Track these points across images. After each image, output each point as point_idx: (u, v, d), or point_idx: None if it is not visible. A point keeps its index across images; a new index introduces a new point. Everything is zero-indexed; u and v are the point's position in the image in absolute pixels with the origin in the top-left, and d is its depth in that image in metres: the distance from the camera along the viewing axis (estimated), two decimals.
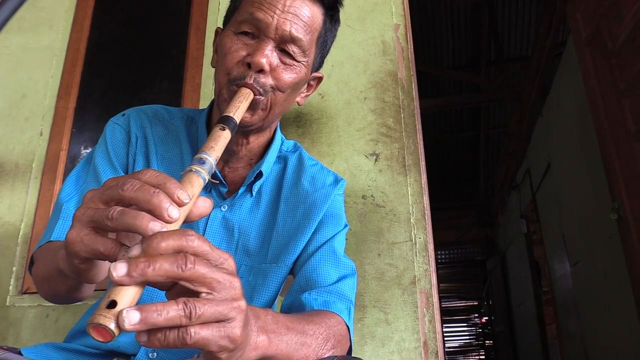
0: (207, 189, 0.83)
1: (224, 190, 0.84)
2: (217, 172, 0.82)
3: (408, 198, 1.51)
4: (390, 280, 1.43)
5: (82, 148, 1.81)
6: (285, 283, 0.85)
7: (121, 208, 0.42)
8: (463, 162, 7.35)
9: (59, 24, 1.97)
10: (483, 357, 9.86)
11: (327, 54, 0.86)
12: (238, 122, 0.63)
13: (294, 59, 0.75)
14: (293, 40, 0.73)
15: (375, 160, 1.56)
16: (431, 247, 1.45)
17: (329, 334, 0.66)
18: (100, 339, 0.38)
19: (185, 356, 0.76)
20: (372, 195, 1.52)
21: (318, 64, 0.84)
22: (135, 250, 0.40)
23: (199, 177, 0.49)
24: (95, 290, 0.72)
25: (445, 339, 9.51)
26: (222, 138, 0.57)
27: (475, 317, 10.15)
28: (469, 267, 9.42)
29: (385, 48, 1.71)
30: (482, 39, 4.87)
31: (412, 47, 1.71)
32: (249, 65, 0.71)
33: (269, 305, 0.82)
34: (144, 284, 0.40)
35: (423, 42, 4.98)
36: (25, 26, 1.98)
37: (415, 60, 1.71)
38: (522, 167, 5.12)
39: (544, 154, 4.15)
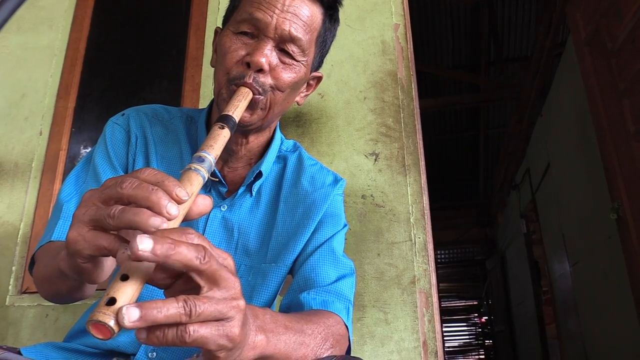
0: (207, 189, 0.83)
1: (223, 190, 0.84)
2: (217, 171, 0.82)
3: (407, 198, 1.51)
4: (389, 280, 1.43)
5: (81, 148, 1.81)
6: (284, 283, 0.85)
7: (122, 206, 0.42)
8: (463, 162, 7.35)
9: (58, 23, 1.97)
10: (482, 356, 9.86)
11: (326, 54, 0.86)
12: (237, 121, 0.63)
13: (293, 58, 0.75)
14: (292, 39, 0.73)
15: (375, 160, 1.56)
16: (431, 246, 1.45)
17: (327, 334, 0.66)
18: (100, 337, 0.38)
19: (185, 355, 0.76)
20: (371, 195, 1.53)
21: (317, 64, 0.84)
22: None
23: (198, 175, 0.49)
24: (96, 290, 0.72)
25: (445, 338, 9.50)
26: (221, 137, 0.57)
27: (475, 317, 10.15)
28: (469, 267, 9.43)
29: (385, 48, 1.71)
30: (481, 38, 4.88)
31: (411, 46, 1.71)
32: (248, 65, 0.71)
33: (268, 304, 0.82)
34: (146, 280, 0.40)
35: (423, 41, 4.98)
36: (25, 26, 1.98)
37: (415, 60, 1.71)
38: (521, 167, 5.12)
39: (543, 153, 4.15)
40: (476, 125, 6.33)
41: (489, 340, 9.46)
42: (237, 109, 0.65)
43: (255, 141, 0.83)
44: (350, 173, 1.55)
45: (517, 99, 4.52)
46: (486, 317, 9.35)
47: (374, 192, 1.53)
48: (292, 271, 0.84)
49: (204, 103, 1.73)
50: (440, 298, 1.57)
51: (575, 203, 3.39)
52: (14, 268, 1.63)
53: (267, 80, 0.72)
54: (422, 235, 1.46)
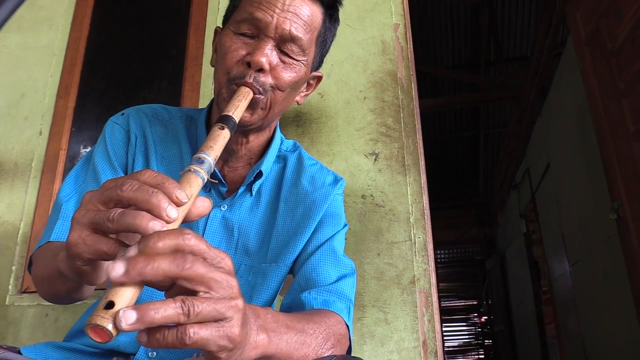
0: (207, 189, 0.83)
1: (223, 189, 0.84)
2: (217, 171, 0.82)
3: (407, 197, 1.51)
4: (389, 280, 1.43)
5: (81, 147, 1.81)
6: (284, 282, 0.85)
7: (121, 209, 0.42)
8: (462, 162, 7.36)
9: (58, 23, 1.97)
10: (482, 356, 9.87)
11: (326, 53, 0.86)
12: (237, 121, 0.63)
13: (293, 58, 0.75)
14: (293, 39, 0.73)
15: (375, 159, 1.56)
16: (430, 246, 1.45)
17: (328, 333, 0.66)
18: (98, 340, 0.38)
19: (185, 355, 0.76)
20: (371, 195, 1.53)
21: (317, 63, 0.84)
22: (133, 251, 0.40)
23: (198, 177, 0.49)
24: (95, 289, 0.72)
25: (445, 338, 9.51)
26: (221, 137, 0.57)
27: (475, 317, 10.16)
28: (468, 267, 9.43)
29: (385, 47, 1.71)
30: (481, 38, 4.88)
31: (411, 46, 1.71)
32: (248, 64, 0.71)
33: (269, 304, 0.82)
34: (143, 283, 0.40)
35: (422, 41, 4.98)
36: (25, 25, 1.98)
37: (415, 60, 1.71)
38: (521, 166, 5.12)
39: (543, 153, 4.15)
40: (476, 125, 6.34)
41: (489, 340, 9.46)
42: (238, 109, 0.65)
43: (256, 141, 0.83)
44: (350, 173, 1.55)
45: (517, 99, 4.52)
46: (486, 317, 9.36)
47: (373, 192, 1.53)
48: (292, 271, 0.84)
49: (204, 103, 1.73)
50: (440, 298, 1.57)
51: (575, 203, 3.39)
52: (13, 268, 1.63)
53: (268, 79, 0.72)
54: (422, 235, 1.46)
